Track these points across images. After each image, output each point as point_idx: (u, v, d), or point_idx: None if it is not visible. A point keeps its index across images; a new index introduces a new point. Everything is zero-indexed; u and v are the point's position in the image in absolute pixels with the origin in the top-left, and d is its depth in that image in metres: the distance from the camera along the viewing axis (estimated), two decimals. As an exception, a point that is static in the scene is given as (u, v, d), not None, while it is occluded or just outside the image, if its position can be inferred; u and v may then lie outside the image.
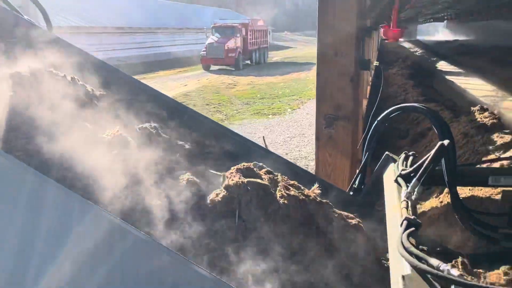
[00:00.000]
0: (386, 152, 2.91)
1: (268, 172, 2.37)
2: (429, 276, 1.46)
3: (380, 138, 2.95)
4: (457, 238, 3.42)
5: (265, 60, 37.52)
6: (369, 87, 8.79)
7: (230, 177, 2.19)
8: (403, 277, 1.42)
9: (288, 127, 13.14)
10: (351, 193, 2.95)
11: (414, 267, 1.48)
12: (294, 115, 14.80)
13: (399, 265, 1.55)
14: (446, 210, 3.58)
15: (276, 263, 1.92)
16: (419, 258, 1.52)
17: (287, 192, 2.26)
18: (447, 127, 2.61)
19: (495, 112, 6.99)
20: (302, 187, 2.44)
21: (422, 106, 2.66)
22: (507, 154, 4.04)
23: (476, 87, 11.28)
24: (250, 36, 34.42)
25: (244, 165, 2.29)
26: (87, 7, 34.06)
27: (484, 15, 15.64)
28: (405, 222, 1.81)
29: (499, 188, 2.98)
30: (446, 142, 2.06)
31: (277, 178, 2.36)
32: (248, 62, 34.62)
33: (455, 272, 1.42)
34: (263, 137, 4.77)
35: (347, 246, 2.23)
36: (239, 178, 2.16)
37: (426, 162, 2.07)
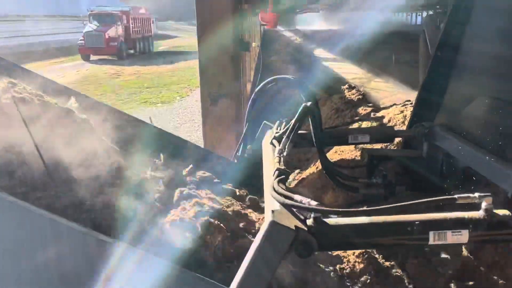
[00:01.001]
0: (264, 121, 3.19)
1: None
2: (294, 209, 1.72)
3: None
4: (330, 196, 3.90)
5: (151, 49, 36.36)
6: (252, 71, 9.21)
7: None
8: (272, 211, 1.66)
9: (177, 114, 13.12)
10: (235, 160, 3.19)
11: (281, 203, 1.74)
12: (183, 103, 14.79)
13: (270, 204, 1.79)
14: (321, 174, 4.00)
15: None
16: (286, 197, 1.78)
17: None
18: (313, 95, 2.96)
19: (361, 89, 7.91)
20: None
21: (292, 77, 2.99)
22: (367, 122, 4.68)
23: (348, 70, 12.52)
24: (132, 24, 32.98)
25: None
26: None
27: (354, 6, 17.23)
28: (276, 171, 2.07)
29: (359, 147, 3.47)
30: (308, 103, 2.38)
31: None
32: (132, 51, 33.22)
33: (313, 203, 1.70)
34: (150, 117, 4.81)
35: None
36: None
37: (293, 122, 2.36)
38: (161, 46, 39.63)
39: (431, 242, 1.67)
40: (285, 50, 17.77)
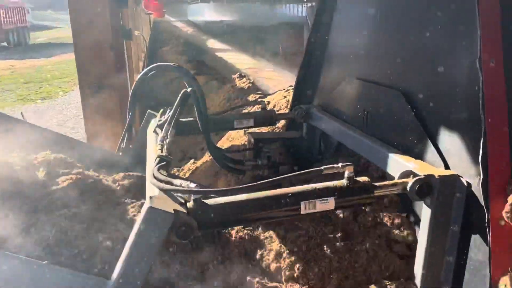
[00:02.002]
0: (148, 110, 3.13)
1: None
2: (174, 193, 1.73)
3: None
4: (222, 181, 3.98)
5: (27, 41, 32.95)
6: (141, 62, 8.90)
7: None
8: (150, 197, 1.65)
9: (61, 110, 12.14)
10: (120, 153, 3.07)
11: (160, 189, 1.73)
12: (67, 98, 13.71)
13: (150, 191, 1.77)
14: (213, 162, 4.02)
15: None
16: (167, 183, 1.78)
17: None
18: (196, 83, 2.96)
19: (251, 78, 8.15)
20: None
21: (174, 64, 2.96)
22: (256, 108, 4.85)
23: (240, 60, 12.76)
24: (3, 14, 29.51)
25: None
26: None
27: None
28: (157, 159, 2.05)
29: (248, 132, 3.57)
30: (189, 89, 2.39)
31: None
32: (5, 44, 29.80)
33: (193, 185, 1.73)
34: (21, 113, 4.37)
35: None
36: None
37: (173, 109, 2.36)
38: (39, 38, 36.10)
39: (303, 211, 1.81)
40: (177, 41, 17.47)
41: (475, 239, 1.77)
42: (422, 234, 1.94)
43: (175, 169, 4.84)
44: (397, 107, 2.33)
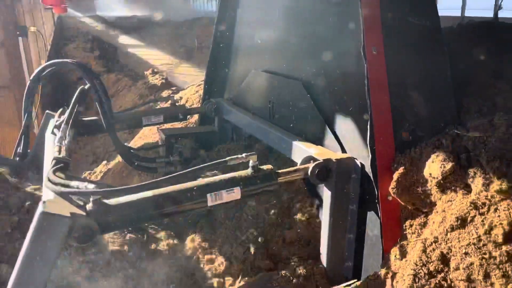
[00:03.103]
0: (46, 111, 2.92)
1: None
2: (71, 196, 1.64)
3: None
4: (136, 181, 3.86)
5: None
6: (44, 61, 8.29)
7: None
8: (43, 202, 1.54)
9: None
10: (17, 158, 2.84)
11: (57, 192, 1.63)
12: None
13: (45, 195, 1.66)
14: (126, 163, 3.86)
15: None
16: (63, 185, 1.68)
17: None
18: (97, 79, 2.82)
19: (164, 74, 8.00)
20: None
21: (71, 61, 2.79)
22: (168, 103, 4.76)
23: (155, 57, 12.42)
24: None
25: None
26: None
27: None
28: (54, 161, 1.93)
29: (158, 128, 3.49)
30: (86, 86, 2.28)
31: None
32: None
33: (91, 186, 1.65)
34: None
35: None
36: None
37: (70, 108, 2.23)
38: None
39: (210, 203, 1.82)
40: (85, 37, 16.51)
41: (370, 216, 1.92)
42: (325, 215, 2.05)
43: (87, 173, 4.60)
44: (298, 97, 2.42)
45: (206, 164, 1.88)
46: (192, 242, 2.27)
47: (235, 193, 1.86)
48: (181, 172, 1.76)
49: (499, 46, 2.38)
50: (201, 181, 1.84)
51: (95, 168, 4.80)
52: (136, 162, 2.92)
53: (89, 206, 1.63)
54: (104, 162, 4.91)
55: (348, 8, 1.97)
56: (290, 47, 2.59)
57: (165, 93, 6.22)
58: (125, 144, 3.21)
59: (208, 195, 1.81)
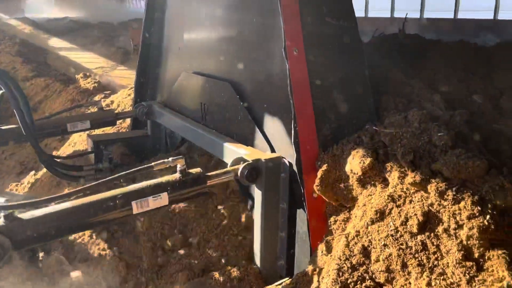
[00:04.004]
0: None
1: None
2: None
3: None
4: (67, 190, 3.66)
5: None
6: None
7: None
8: None
9: None
10: None
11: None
12: None
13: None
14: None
15: None
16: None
17: None
18: (14, 84, 2.63)
19: (98, 77, 7.69)
20: None
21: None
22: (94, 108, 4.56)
23: (89, 60, 11.92)
24: None
25: None
26: None
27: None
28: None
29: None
30: (0, 92, 2.12)
31: None
32: None
33: (1, 199, 1.53)
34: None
35: None
36: None
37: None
38: None
39: (135, 211, 1.75)
40: (11, 41, 15.51)
41: (300, 213, 1.95)
42: (256, 214, 2.06)
43: (13, 184, 4.30)
44: (228, 98, 2.41)
45: (129, 171, 1.81)
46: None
47: (163, 199, 1.81)
48: (102, 180, 1.68)
49: (403, 53, 2.60)
50: (125, 188, 1.77)
51: (23, 179, 4.51)
52: (60, 171, 2.76)
53: (0, 222, 1.51)
54: (32, 172, 4.63)
55: (270, 10, 1.99)
56: (219, 48, 2.57)
57: (98, 97, 5.98)
58: (50, 153, 3.04)
59: (133, 202, 1.74)
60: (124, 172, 1.77)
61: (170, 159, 1.86)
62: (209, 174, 1.94)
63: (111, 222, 1.96)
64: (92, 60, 11.59)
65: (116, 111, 3.41)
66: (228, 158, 2.21)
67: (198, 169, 1.94)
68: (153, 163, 1.82)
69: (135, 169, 1.80)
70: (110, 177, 1.70)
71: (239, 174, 1.96)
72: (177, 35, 3.10)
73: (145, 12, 3.19)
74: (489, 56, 2.93)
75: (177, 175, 1.86)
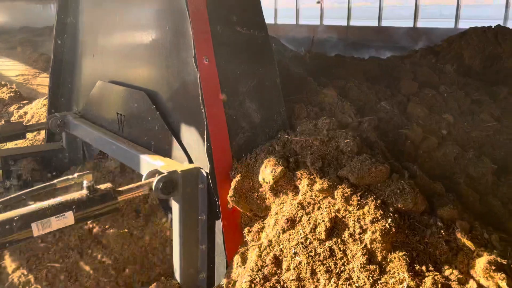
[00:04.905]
0: None
1: None
2: None
3: None
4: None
5: None
6: None
7: None
8: None
9: None
10: None
11: None
12: None
13: None
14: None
15: None
16: None
17: None
18: None
19: (17, 86, 7.18)
20: None
21: None
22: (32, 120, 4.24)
23: (8, 67, 11.13)
24: None
25: None
26: None
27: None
28: None
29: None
30: None
31: None
32: None
33: None
34: None
35: None
36: None
37: None
38: None
39: (36, 233, 1.62)
40: None
41: (218, 224, 1.91)
42: (175, 228, 1.99)
43: None
44: (144, 108, 2.32)
45: (31, 189, 1.67)
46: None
47: (68, 219, 1.69)
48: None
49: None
50: (23, 209, 1.62)
51: None
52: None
53: None
54: None
55: (182, 17, 1.95)
56: (134, 56, 2.48)
57: (12, 108, 5.56)
58: None
59: (33, 224, 1.60)
60: (25, 191, 1.63)
61: (75, 175, 1.74)
62: (120, 189, 1.84)
63: (10, 245, 1.79)
64: (11, 67, 10.84)
65: (27, 123, 3.17)
66: (144, 171, 2.11)
67: (108, 184, 1.83)
68: (55, 181, 1.70)
69: (37, 187, 1.67)
70: (7, 197, 1.55)
71: (153, 187, 1.88)
72: (91, 41, 2.95)
73: (56, 17, 3.00)
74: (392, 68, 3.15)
75: (84, 192, 1.74)
